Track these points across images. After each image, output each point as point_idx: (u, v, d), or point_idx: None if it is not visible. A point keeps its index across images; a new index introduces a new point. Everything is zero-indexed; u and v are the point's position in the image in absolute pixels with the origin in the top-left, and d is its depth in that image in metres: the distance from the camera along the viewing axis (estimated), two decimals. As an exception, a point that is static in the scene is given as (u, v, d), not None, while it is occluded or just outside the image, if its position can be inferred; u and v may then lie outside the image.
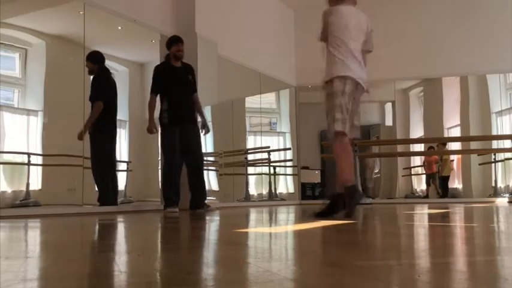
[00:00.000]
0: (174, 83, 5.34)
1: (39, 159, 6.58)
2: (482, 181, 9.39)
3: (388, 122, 10.55)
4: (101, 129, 5.50)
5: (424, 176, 10.24)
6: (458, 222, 3.48)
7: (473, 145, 9.46)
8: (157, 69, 5.47)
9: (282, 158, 9.85)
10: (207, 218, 4.21)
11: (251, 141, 9.34)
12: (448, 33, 8.99)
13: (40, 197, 6.37)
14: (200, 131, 5.52)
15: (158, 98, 5.40)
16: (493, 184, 9.08)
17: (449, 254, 1.69)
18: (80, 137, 5.45)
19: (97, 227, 3.48)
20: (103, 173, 5.58)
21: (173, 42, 5.44)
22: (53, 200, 5.78)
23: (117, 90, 5.85)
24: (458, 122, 9.69)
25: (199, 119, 5.55)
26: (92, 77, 5.63)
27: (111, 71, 6.04)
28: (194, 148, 5.39)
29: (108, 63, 6.96)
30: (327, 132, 3.64)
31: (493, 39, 8.78)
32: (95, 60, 5.64)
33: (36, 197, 6.33)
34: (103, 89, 5.56)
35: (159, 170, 7.03)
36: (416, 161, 10.49)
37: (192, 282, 1.13)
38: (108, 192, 5.56)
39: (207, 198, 5.84)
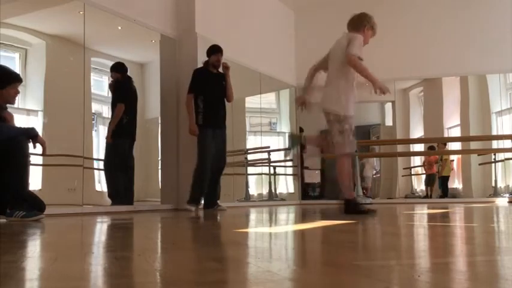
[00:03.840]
0: (211, 88, 5.68)
1: (39, 159, 6.57)
2: (482, 181, 9.39)
3: (388, 122, 10.54)
4: (119, 133, 5.78)
5: (424, 176, 10.24)
6: (458, 222, 3.48)
7: (473, 145, 9.46)
8: (196, 72, 5.78)
9: (282, 158, 9.84)
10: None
11: (251, 141, 9.33)
12: (448, 33, 8.99)
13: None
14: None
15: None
16: (493, 184, 9.08)
17: (449, 254, 1.69)
18: (109, 139, 5.79)
19: (97, 227, 3.48)
20: (116, 175, 5.86)
21: (213, 52, 5.77)
22: (53, 200, 5.77)
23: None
24: (458, 122, 9.69)
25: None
26: (114, 84, 6.03)
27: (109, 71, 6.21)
28: (221, 152, 5.71)
29: (108, 63, 6.97)
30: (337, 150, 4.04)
31: (493, 40, 8.77)
32: (119, 69, 6.08)
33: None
34: (125, 93, 5.94)
35: (159, 170, 7.04)
36: (416, 161, 10.49)
37: (192, 282, 1.13)
38: (120, 193, 5.81)
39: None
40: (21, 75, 4.10)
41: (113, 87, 6.09)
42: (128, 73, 6.24)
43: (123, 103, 5.80)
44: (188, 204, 5.48)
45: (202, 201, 5.77)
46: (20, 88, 3.91)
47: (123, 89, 5.98)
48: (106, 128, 6.17)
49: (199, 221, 3.91)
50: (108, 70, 6.20)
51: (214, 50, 5.77)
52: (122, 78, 6.04)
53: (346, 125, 3.96)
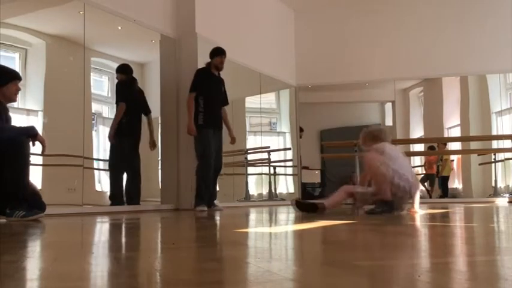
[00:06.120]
0: (212, 89, 5.73)
1: (39, 159, 6.57)
2: (482, 181, 9.39)
3: (388, 122, 10.54)
4: (120, 132, 5.85)
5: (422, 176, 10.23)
6: (458, 222, 3.48)
7: (473, 145, 9.46)
8: (200, 71, 5.82)
9: (282, 158, 9.84)
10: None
11: (251, 141, 9.34)
12: (448, 33, 9.00)
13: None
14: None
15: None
16: (493, 184, 9.08)
17: (449, 254, 1.69)
18: (111, 139, 5.87)
19: (97, 227, 3.48)
20: (116, 175, 5.96)
21: (218, 54, 5.80)
22: (53, 200, 5.77)
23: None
24: (458, 122, 9.69)
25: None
26: (116, 83, 6.18)
27: (110, 71, 6.29)
28: (219, 153, 5.78)
29: (108, 63, 6.96)
30: None
31: (493, 39, 8.78)
32: (125, 71, 6.20)
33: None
34: (126, 92, 6.01)
35: (159, 170, 7.04)
36: (416, 161, 10.49)
37: (192, 282, 1.13)
38: (119, 194, 5.89)
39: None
40: (21, 75, 4.11)
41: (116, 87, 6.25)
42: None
43: (124, 102, 5.88)
44: (198, 206, 5.52)
45: None
46: (20, 88, 3.93)
47: (123, 89, 6.08)
48: (107, 128, 6.23)
49: (199, 221, 3.91)
50: (108, 70, 6.26)
51: (219, 52, 5.81)
52: (125, 79, 6.16)
53: None
